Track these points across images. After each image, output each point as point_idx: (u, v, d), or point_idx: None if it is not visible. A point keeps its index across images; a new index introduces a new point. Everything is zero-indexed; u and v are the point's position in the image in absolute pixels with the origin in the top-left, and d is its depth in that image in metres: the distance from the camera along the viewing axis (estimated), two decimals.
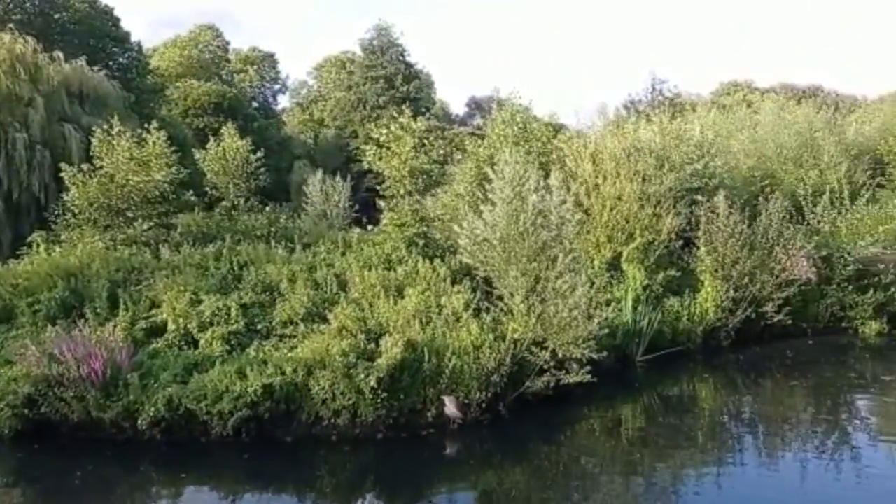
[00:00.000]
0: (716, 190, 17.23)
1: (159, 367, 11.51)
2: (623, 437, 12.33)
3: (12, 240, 25.41)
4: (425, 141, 16.40)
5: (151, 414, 10.69)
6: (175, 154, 18.97)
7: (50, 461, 10.81)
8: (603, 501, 9.81)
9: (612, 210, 15.73)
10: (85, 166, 17.28)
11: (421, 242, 15.15)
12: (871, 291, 17.12)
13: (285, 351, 11.99)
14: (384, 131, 16.12)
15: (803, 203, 19.32)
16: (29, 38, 27.56)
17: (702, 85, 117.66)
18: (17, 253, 17.84)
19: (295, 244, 17.50)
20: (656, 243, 16.10)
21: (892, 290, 17.28)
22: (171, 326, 12.71)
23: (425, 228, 15.43)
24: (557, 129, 19.06)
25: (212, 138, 20.91)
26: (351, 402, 11.07)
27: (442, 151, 16.42)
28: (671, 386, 14.76)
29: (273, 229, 19.17)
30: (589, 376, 11.71)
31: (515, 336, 12.02)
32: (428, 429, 11.35)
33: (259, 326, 12.87)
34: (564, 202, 12.10)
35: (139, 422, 10.73)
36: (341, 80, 70.64)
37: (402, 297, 13.07)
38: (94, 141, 17.65)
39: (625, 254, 15.78)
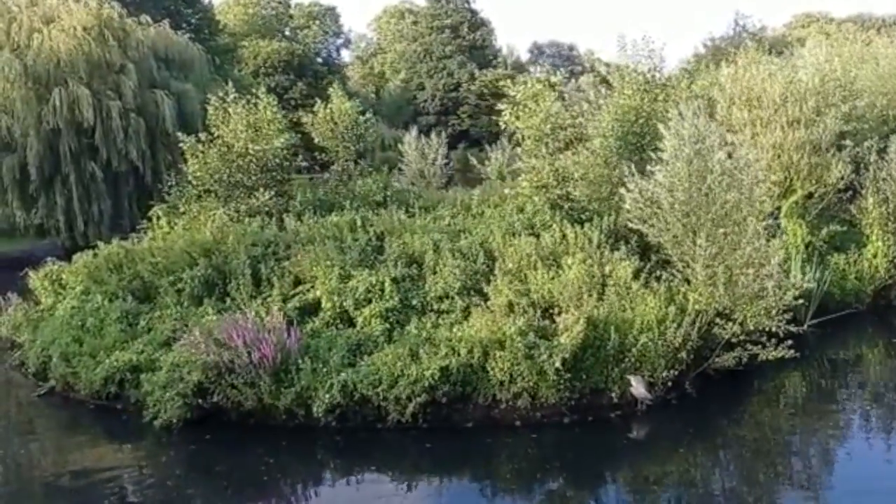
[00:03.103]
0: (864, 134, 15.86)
1: (325, 350, 10.94)
2: (803, 411, 11.58)
3: (112, 208, 25.57)
4: (565, 95, 15.32)
5: (327, 400, 10.14)
6: (285, 118, 18.32)
7: (226, 452, 10.38)
8: (788, 482, 9.25)
9: (773, 160, 14.49)
10: (203, 136, 16.69)
11: (566, 206, 14.20)
12: None
13: (447, 328, 11.31)
14: (521, 88, 15.02)
15: None
16: (114, 2, 27.11)
17: (775, 18, 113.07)
18: (138, 227, 17.60)
19: (414, 209, 16.81)
20: (817, 195, 14.86)
21: None
22: (325, 304, 12.10)
23: (569, 190, 14.44)
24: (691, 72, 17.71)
25: (318, 100, 20.11)
26: (531, 383, 10.36)
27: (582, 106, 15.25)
28: (847, 353, 13.78)
29: (388, 193, 18.46)
30: (792, 351, 10.73)
31: (697, 308, 11.10)
32: (614, 410, 10.62)
33: (414, 302, 12.15)
34: (757, 160, 10.99)
35: (314, 409, 10.20)
36: (400, 31, 69.35)
37: (560, 268, 12.22)
38: (210, 109, 17.00)
39: (784, 208, 14.60)
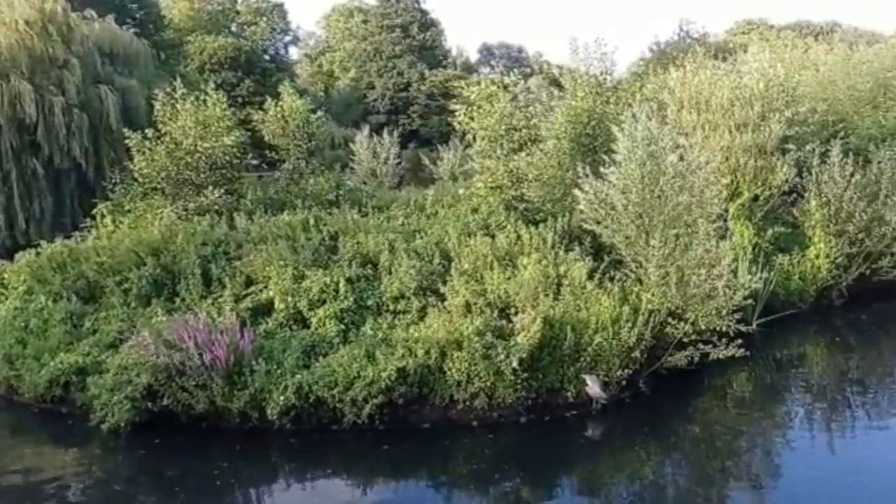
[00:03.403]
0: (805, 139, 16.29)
1: (279, 351, 10.78)
2: (750, 407, 11.82)
3: (54, 206, 24.79)
4: (519, 96, 15.38)
5: (281, 402, 10.00)
6: (234, 116, 18.03)
7: (177, 456, 10.16)
8: (736, 477, 9.48)
9: (722, 163, 14.79)
10: (149, 132, 16.30)
11: (521, 206, 14.27)
12: None
13: (404, 329, 11.26)
14: (475, 89, 15.04)
15: (875, 147, 18.19)
16: None
17: (717, 24, 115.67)
18: (81, 226, 17.11)
19: (367, 208, 16.72)
20: (763, 197, 15.22)
21: None
22: (278, 305, 11.94)
23: (524, 191, 14.52)
24: (640, 76, 17.97)
25: (267, 98, 19.83)
26: (488, 383, 10.38)
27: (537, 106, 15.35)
28: (792, 351, 14.09)
29: (341, 192, 18.32)
30: (742, 350, 10.96)
31: (650, 307, 11.26)
32: (570, 410, 10.70)
33: (369, 302, 12.08)
34: (708, 162, 11.20)
35: (269, 411, 10.05)
36: (350, 29, 68.87)
37: (515, 268, 12.29)
38: (157, 105, 16.62)
39: (732, 210, 14.91)
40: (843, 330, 15.07)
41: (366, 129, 27.39)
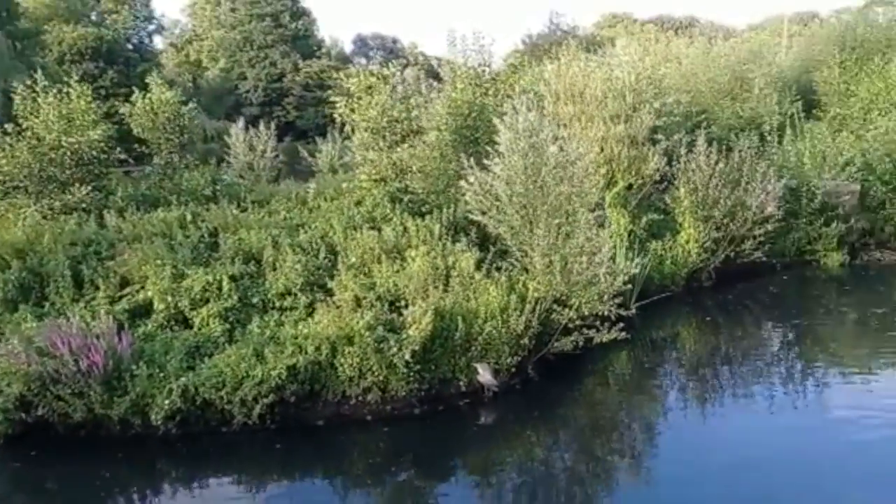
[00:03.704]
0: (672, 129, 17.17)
1: (161, 354, 10.35)
2: (631, 388, 12.31)
3: None
4: (398, 88, 15.35)
5: (166, 407, 9.60)
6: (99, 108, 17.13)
7: (56, 468, 9.57)
8: (619, 454, 9.92)
9: (598, 153, 15.30)
10: (9, 127, 15.25)
11: (406, 198, 14.29)
12: (834, 223, 17.63)
13: (292, 325, 11.06)
14: (355, 80, 14.91)
15: (735, 136, 19.42)
16: None
17: (585, 17, 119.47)
18: None
19: (246, 203, 16.34)
20: (636, 186, 15.88)
21: (851, 221, 17.89)
22: (158, 306, 11.45)
23: (408, 182, 14.55)
24: (517, 68, 18.31)
25: (136, 90, 18.93)
26: (381, 377, 10.36)
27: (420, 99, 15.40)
28: (667, 332, 14.79)
29: (217, 187, 17.77)
30: (623, 333, 11.42)
31: (536, 295, 11.54)
32: (462, 399, 10.83)
33: (254, 300, 11.79)
34: (588, 153, 11.55)
35: (153, 416, 9.63)
36: (217, 17, 66.71)
37: (404, 260, 12.31)
38: (17, 99, 15.57)
39: (608, 199, 15.47)
40: (713, 309, 15.92)
41: (240, 122, 26.62)
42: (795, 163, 18.31)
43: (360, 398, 10.45)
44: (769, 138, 19.07)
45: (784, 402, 11.11)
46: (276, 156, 26.67)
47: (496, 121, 12.12)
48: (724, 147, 16.71)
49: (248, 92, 59.62)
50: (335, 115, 15.65)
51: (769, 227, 16.23)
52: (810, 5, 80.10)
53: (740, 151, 16.57)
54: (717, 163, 15.98)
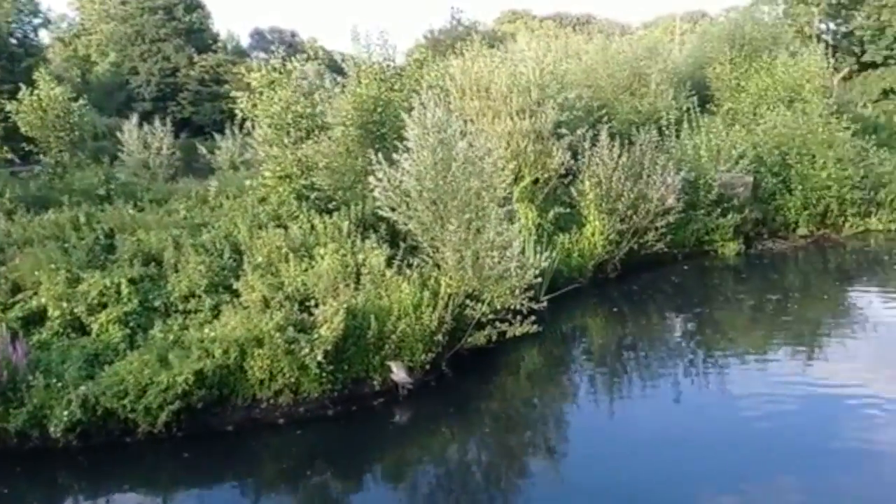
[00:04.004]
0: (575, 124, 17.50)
1: (58, 363, 9.80)
2: (542, 380, 12.47)
3: None
4: (303, 83, 15.00)
5: (65, 418, 9.09)
6: None
7: None
8: (533, 445, 10.06)
9: (505, 148, 15.39)
10: None
11: (312, 195, 14.02)
12: (730, 214, 18.34)
13: (197, 329, 10.66)
14: (257, 75, 14.50)
15: (636, 130, 19.96)
16: None
17: (485, 13, 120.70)
18: None
19: (143, 202, 15.78)
20: (543, 180, 16.07)
21: (746, 212, 18.66)
22: (52, 312, 10.85)
23: (314, 179, 14.28)
24: (422, 63, 18.24)
25: (23, 86, 17.94)
26: (292, 379, 10.13)
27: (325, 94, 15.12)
28: (576, 323, 15.04)
29: (112, 186, 17.06)
30: (535, 326, 11.53)
31: (448, 291, 11.51)
32: (377, 398, 10.70)
33: (156, 303, 11.34)
34: (497, 148, 11.57)
35: (52, 429, 9.11)
36: (107, 10, 64.02)
37: (312, 259, 12.07)
38: None
39: (516, 193, 15.59)
40: (619, 300, 16.29)
41: (134, 118, 25.63)
42: (693, 156, 18.92)
43: (271, 401, 10.19)
44: (667, 132, 19.67)
45: (686, 386, 11.52)
46: (173, 153, 25.84)
47: (404, 116, 12.01)
48: (625, 141, 17.12)
49: (140, 87, 57.40)
50: (237, 111, 15.17)
51: (670, 218, 16.73)
52: (700, 4, 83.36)
53: (641, 145, 17.01)
54: (619, 157, 16.36)
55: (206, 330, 10.38)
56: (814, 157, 20.22)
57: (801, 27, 55.37)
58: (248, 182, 15.29)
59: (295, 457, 9.91)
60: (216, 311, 11.11)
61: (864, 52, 58.84)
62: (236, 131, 24.01)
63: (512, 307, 11.71)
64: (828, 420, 10.17)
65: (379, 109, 14.98)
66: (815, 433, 9.78)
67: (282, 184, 14.22)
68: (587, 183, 16.47)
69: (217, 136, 26.23)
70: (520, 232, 14.77)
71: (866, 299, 16.31)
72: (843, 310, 15.64)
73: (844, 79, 46.52)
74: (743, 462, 8.94)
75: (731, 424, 10.11)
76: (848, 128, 21.22)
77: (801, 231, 19.97)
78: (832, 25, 61.99)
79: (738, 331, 14.39)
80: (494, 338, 11.61)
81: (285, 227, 13.16)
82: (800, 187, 19.89)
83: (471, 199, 11.46)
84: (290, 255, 11.99)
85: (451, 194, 11.37)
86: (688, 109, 21.92)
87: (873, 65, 57.93)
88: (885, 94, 54.37)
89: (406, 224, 12.08)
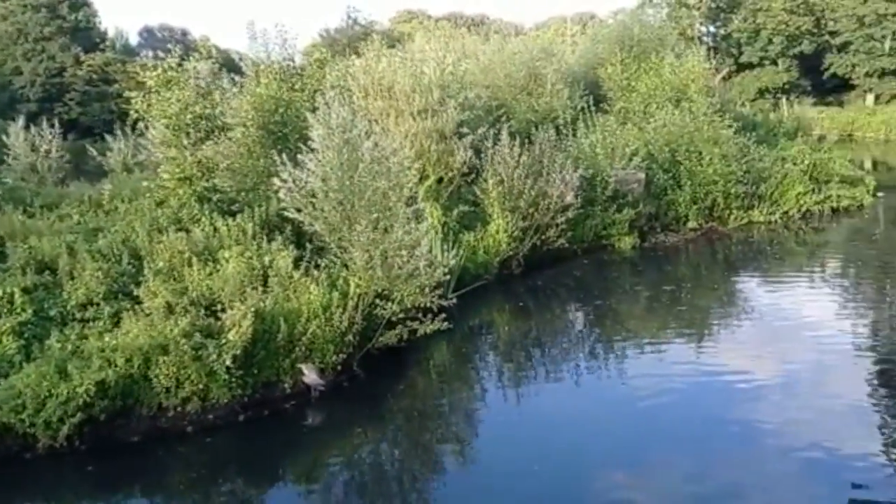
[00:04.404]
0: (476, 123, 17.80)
1: None
2: (452, 376, 12.61)
3: None
4: (201, 82, 14.62)
5: None
6: None
7: None
8: (444, 439, 10.24)
9: (410, 148, 15.47)
10: None
11: (214, 197, 13.73)
12: (625, 210, 19.02)
13: (97, 338, 10.27)
14: (153, 74, 14.06)
15: (535, 129, 20.43)
16: None
17: (381, 13, 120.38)
18: None
19: (34, 207, 15.11)
20: (447, 179, 16.25)
21: (640, 207, 19.40)
22: None
23: (215, 181, 13.99)
24: (323, 62, 18.11)
25: None
26: (200, 386, 9.91)
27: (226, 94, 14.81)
28: (483, 319, 15.25)
29: None
30: (446, 323, 11.67)
31: (358, 291, 11.51)
32: (288, 402, 10.59)
33: (52, 313, 10.86)
34: (403, 148, 11.63)
35: None
36: None
37: (217, 262, 11.84)
38: None
39: (421, 192, 15.69)
40: (524, 295, 16.63)
41: (20, 120, 24.37)
42: (589, 154, 19.50)
43: (178, 409, 9.94)
44: (565, 131, 20.23)
45: (588, 374, 11.97)
46: (62, 156, 24.71)
47: (309, 116, 11.93)
48: (525, 140, 17.51)
49: (24, 88, 54.61)
50: (132, 111, 14.66)
51: (569, 215, 17.19)
52: (589, 6, 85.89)
53: (540, 144, 17.41)
54: (520, 155, 16.70)
55: (107, 338, 10.03)
56: (701, 153, 21.17)
57: (683, 30, 58.02)
58: (145, 184, 14.81)
59: (205, 465, 9.69)
60: (116, 319, 10.73)
61: (741, 53, 62.20)
62: (128, 132, 23.16)
63: (422, 305, 11.81)
64: (715, 400, 10.85)
65: (281, 110, 14.81)
66: (703, 413, 10.43)
67: (182, 186, 13.85)
68: (490, 181, 16.74)
69: (108, 138, 25.19)
70: (427, 231, 14.97)
71: (751, 287, 17.27)
72: (730, 298, 16.48)
73: (724, 79, 48.86)
74: (639, 442, 9.50)
75: (628, 408, 10.64)
76: (731, 126, 22.35)
77: (691, 224, 20.87)
78: (712, 28, 65.18)
79: (635, 320, 14.95)
80: (406, 336, 11.69)
81: (187, 231, 12.85)
82: (689, 183, 20.80)
83: (378, 199, 11.50)
84: (194, 259, 11.73)
85: (358, 194, 11.38)
86: (583, 109, 22.59)
87: (750, 65, 61.35)
88: (761, 93, 57.66)
89: (312, 225, 12.01)
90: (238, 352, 9.86)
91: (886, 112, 49.17)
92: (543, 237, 17.21)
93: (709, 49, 39.24)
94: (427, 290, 11.74)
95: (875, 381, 11.17)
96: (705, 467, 8.97)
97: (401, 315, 11.68)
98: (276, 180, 11.76)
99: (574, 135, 20.52)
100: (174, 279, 11.51)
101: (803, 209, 22.75)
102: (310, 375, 10.54)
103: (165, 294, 10.81)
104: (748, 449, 9.24)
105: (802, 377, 11.43)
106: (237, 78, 16.48)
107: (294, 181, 11.71)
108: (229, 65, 19.80)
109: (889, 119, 47.41)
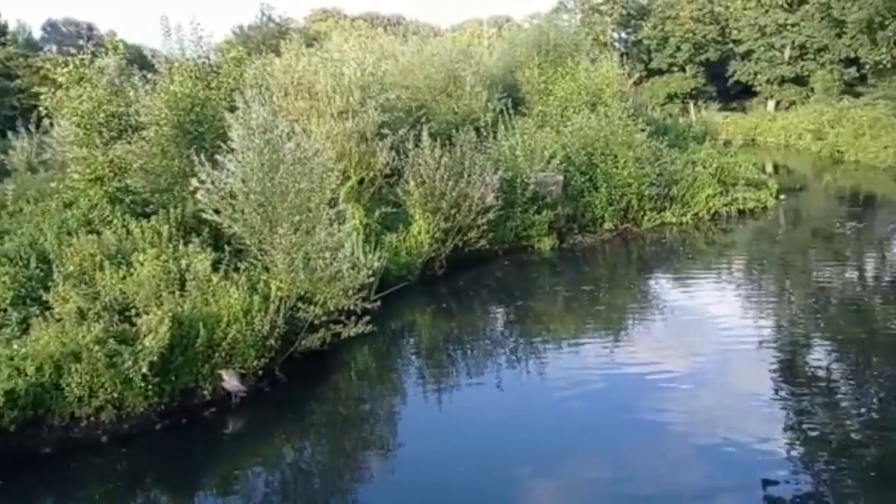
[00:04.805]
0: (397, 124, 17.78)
1: None
2: (377, 378, 12.63)
3: None
4: (116, 80, 14.08)
5: None
6: None
7: None
8: (367, 443, 10.21)
9: (331, 149, 15.27)
10: None
11: (127, 199, 13.26)
12: (545, 211, 19.30)
13: (4, 345, 9.78)
14: (65, 70, 13.48)
15: (455, 131, 20.57)
16: None
17: (295, 11, 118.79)
18: None
19: None
20: (368, 180, 16.15)
21: (558, 209, 19.72)
22: None
23: (128, 181, 13.51)
24: (241, 61, 17.70)
25: None
26: (115, 394, 9.57)
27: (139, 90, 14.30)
28: (405, 321, 15.21)
29: None
30: (370, 326, 11.59)
31: (280, 294, 11.32)
32: (208, 408, 10.33)
33: None
34: (326, 149, 11.48)
35: None
36: None
37: (131, 266, 11.45)
38: None
39: (342, 193, 15.53)
40: (446, 297, 16.65)
41: None
42: (509, 156, 19.71)
43: (92, 419, 9.60)
44: (485, 133, 20.39)
45: (508, 373, 12.17)
46: None
47: (228, 116, 11.66)
48: (446, 141, 17.57)
49: None
50: (40, 108, 14.02)
51: (491, 216, 17.34)
52: (504, 9, 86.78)
53: (461, 146, 17.50)
54: (441, 157, 16.75)
55: (16, 346, 9.58)
56: (616, 156, 21.68)
57: (596, 35, 59.36)
58: (52, 185, 14.19)
59: (121, 476, 9.34)
60: (25, 326, 10.27)
61: (651, 59, 64.06)
62: (32, 129, 22.17)
63: (345, 308, 11.70)
64: (628, 394, 11.27)
65: (197, 108, 14.42)
66: (617, 407, 10.82)
67: (93, 186, 13.34)
68: (412, 182, 16.73)
69: (10, 135, 24.02)
70: (350, 233, 14.83)
71: (663, 286, 17.83)
72: (644, 296, 16.97)
73: (635, 84, 50.26)
74: (556, 436, 9.82)
75: (547, 404, 10.91)
76: (644, 129, 22.96)
77: (607, 225, 21.33)
78: (623, 35, 66.94)
79: (554, 320, 15.20)
80: (329, 340, 11.56)
81: (98, 233, 12.40)
82: (605, 185, 21.25)
83: (301, 201, 11.32)
84: (106, 263, 11.33)
85: (279, 196, 11.18)
86: (502, 111, 22.82)
87: (659, 71, 63.26)
88: (670, 98, 59.49)
89: (232, 227, 11.73)
90: (155, 358, 9.56)
91: (786, 118, 51.32)
92: (465, 238, 17.32)
93: (621, 55, 40.27)
94: (350, 292, 11.62)
95: (776, 373, 11.75)
96: (618, 458, 9.30)
97: (324, 318, 11.55)
98: (194, 181, 11.43)
99: (494, 137, 20.71)
100: (85, 283, 11.10)
101: (712, 211, 23.53)
102: (230, 381, 10.31)
103: (77, 299, 10.40)
104: (658, 440, 9.63)
105: (709, 370, 11.95)
106: (150, 75, 15.97)
107: (213, 182, 11.40)
108: (139, 61, 19.13)
109: (788, 125, 49.51)
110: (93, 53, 13.87)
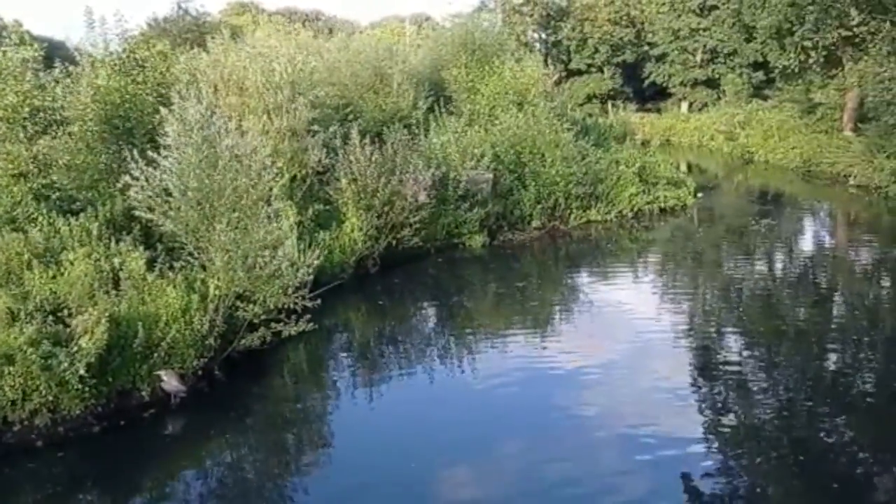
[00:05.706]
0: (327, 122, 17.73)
1: None
2: (314, 376, 12.65)
3: None
4: (41, 74, 13.57)
5: None
6: None
7: None
8: (306, 442, 10.37)
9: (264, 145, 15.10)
10: None
11: (54, 196, 12.85)
12: (476, 209, 19.55)
13: None
14: None
15: (386, 129, 20.61)
16: None
17: (211, 4, 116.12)
18: None
19: None
20: (300, 178, 16.04)
21: (489, 207, 20.01)
22: None
23: (54, 178, 13.08)
24: (167, 55, 17.31)
25: None
26: (50, 397, 9.29)
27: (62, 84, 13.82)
28: (340, 319, 15.17)
29: None
30: (312, 324, 11.57)
31: (218, 293, 11.18)
32: (146, 410, 10.14)
33: None
34: (264, 146, 11.38)
35: None
36: None
37: (61, 265, 11.13)
38: None
39: (275, 191, 15.38)
40: (380, 294, 16.69)
41: None
42: (440, 154, 19.87)
43: (25, 423, 9.29)
44: (416, 131, 20.50)
45: (440, 369, 12.38)
46: None
47: (163, 111, 11.44)
48: (375, 138, 17.60)
49: None
50: None
51: (423, 214, 17.47)
52: (423, 7, 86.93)
53: (392, 143, 17.57)
54: (372, 154, 16.78)
55: None
56: (543, 155, 22.10)
57: (518, 35, 60.14)
58: None
59: (57, 481, 9.07)
60: None
61: (570, 60, 65.33)
62: None
63: (284, 306, 11.64)
64: (554, 388, 11.59)
65: (127, 105, 14.07)
66: (542, 400, 11.14)
67: (16, 183, 12.85)
68: (344, 180, 16.70)
69: None
70: (289, 231, 14.74)
71: (589, 281, 18.38)
72: (571, 292, 17.48)
73: (556, 84, 51.24)
74: (484, 432, 10.02)
75: (476, 399, 11.25)
76: (570, 129, 23.49)
77: (536, 223, 21.72)
78: (544, 35, 68.04)
79: (486, 316, 15.47)
80: (269, 338, 11.48)
81: (24, 231, 11.97)
82: (533, 183, 21.64)
83: (240, 198, 11.21)
84: (34, 262, 10.97)
85: (217, 193, 11.03)
86: (431, 109, 22.96)
87: (579, 72, 64.56)
88: (589, 98, 60.83)
89: (166, 225, 11.51)
90: (92, 359, 9.32)
91: (699, 119, 53.15)
92: (398, 236, 17.39)
93: (545, 55, 40.99)
94: (290, 290, 11.57)
95: (691, 365, 12.42)
96: (536, 446, 9.64)
97: (263, 317, 11.46)
98: (127, 177, 11.17)
99: (426, 135, 20.84)
100: (13, 284, 10.70)
101: (635, 209, 24.25)
102: (169, 382, 10.14)
103: (6, 300, 10.04)
104: (580, 433, 10.02)
105: (629, 362, 12.45)
106: (72, 68, 15.46)
107: (147, 179, 11.17)
108: (52, 53, 18.49)
109: (701, 125, 51.24)
110: (17, 45, 13.33)
